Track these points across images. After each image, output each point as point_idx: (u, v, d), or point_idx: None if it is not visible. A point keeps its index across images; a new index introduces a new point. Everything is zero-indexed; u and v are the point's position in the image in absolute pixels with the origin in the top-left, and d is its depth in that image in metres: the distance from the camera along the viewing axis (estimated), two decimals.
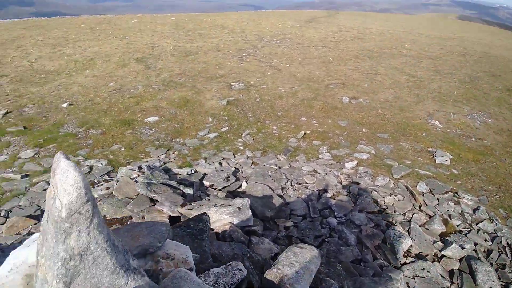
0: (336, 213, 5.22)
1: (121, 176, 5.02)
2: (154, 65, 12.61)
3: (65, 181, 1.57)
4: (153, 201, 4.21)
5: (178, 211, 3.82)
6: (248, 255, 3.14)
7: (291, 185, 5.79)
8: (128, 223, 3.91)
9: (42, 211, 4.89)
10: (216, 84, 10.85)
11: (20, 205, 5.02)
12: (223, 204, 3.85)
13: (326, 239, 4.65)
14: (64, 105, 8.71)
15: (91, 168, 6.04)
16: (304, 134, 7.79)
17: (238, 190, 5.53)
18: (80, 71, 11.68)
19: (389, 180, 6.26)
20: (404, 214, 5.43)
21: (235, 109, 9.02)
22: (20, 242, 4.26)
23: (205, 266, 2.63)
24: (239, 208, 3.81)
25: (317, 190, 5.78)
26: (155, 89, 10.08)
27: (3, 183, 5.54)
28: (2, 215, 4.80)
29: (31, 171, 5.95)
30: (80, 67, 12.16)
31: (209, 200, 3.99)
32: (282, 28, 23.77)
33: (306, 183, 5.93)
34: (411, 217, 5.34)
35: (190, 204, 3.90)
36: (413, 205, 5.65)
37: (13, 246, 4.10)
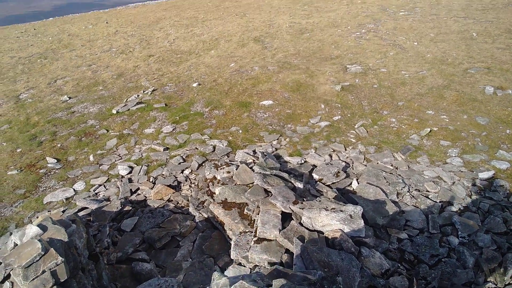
0: (459, 232, 4.57)
1: (240, 162, 5.55)
2: (270, 45, 12.93)
3: None
4: (267, 191, 4.55)
5: (290, 208, 4.04)
6: (360, 268, 3.12)
7: (409, 191, 5.30)
8: (245, 211, 4.37)
9: (179, 182, 5.93)
10: (331, 66, 10.43)
11: (163, 174, 6.19)
12: (334, 209, 3.86)
13: (443, 259, 4.19)
14: (194, 85, 9.96)
15: (214, 147, 6.88)
16: (430, 131, 6.85)
17: (348, 188, 5.41)
18: (207, 51, 12.99)
19: None
20: None
21: (350, 96, 8.58)
22: (163, 207, 5.32)
23: None
24: (350, 216, 3.76)
25: (440, 202, 5.13)
26: (270, 71, 10.42)
27: (151, 153, 6.89)
28: (151, 181, 6.04)
29: (170, 145, 7.19)
30: (207, 47, 13.50)
31: (319, 201, 4.06)
32: None
33: (427, 191, 5.33)
34: None
35: (302, 203, 4.06)
36: None
37: (158, 211, 5.15)
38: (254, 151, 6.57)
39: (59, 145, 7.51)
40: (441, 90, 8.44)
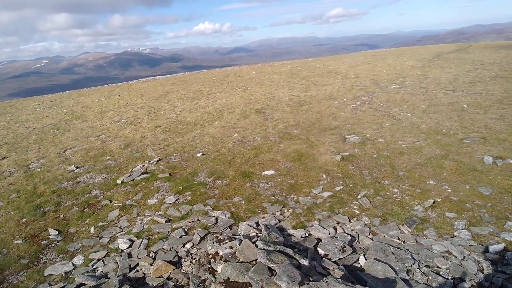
0: None
1: (243, 236, 5.45)
2: (271, 116, 13.66)
3: None
4: (271, 270, 4.38)
5: None
6: None
7: (419, 268, 5.07)
8: None
9: (179, 257, 5.73)
10: (330, 136, 10.87)
11: (164, 249, 6.02)
12: None
13: None
14: (199, 155, 10.27)
15: (216, 219, 6.80)
16: (434, 202, 6.83)
17: (355, 265, 5.19)
18: (211, 122, 13.69)
19: None
20: None
21: (350, 166, 8.76)
22: (162, 286, 5.07)
23: None
24: None
25: (451, 278, 4.88)
26: (272, 141, 10.83)
27: (153, 225, 6.80)
28: (151, 256, 5.85)
29: (172, 216, 7.13)
30: (211, 118, 14.26)
31: (327, 282, 3.88)
32: (400, 69, 22.44)
33: (438, 267, 5.10)
34: None
35: (308, 284, 3.88)
36: None
37: None
38: (257, 223, 6.48)
39: (61, 216, 7.49)
40: (440, 160, 8.64)
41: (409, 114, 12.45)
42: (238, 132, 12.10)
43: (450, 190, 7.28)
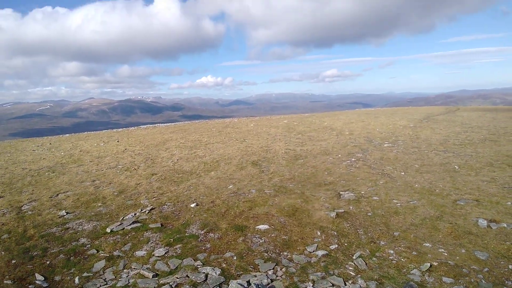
0: None
1: None
2: (267, 169, 13.81)
3: None
4: None
5: None
6: None
7: None
8: None
9: None
10: (325, 192, 10.91)
11: None
12: None
13: None
14: (192, 205, 10.16)
15: (206, 276, 6.50)
16: (430, 266, 6.65)
17: None
18: (207, 172, 13.76)
19: None
20: None
21: (345, 223, 8.66)
22: None
23: None
24: None
25: None
26: (267, 194, 10.81)
27: (139, 280, 6.47)
28: None
29: (160, 271, 6.82)
30: (207, 168, 14.37)
31: None
32: (393, 128, 23.33)
33: None
34: None
35: None
36: None
37: None
38: (249, 282, 6.20)
39: (48, 262, 7.26)
40: (434, 221, 8.60)
41: (403, 173, 12.67)
42: (234, 183, 12.12)
43: (446, 254, 7.13)
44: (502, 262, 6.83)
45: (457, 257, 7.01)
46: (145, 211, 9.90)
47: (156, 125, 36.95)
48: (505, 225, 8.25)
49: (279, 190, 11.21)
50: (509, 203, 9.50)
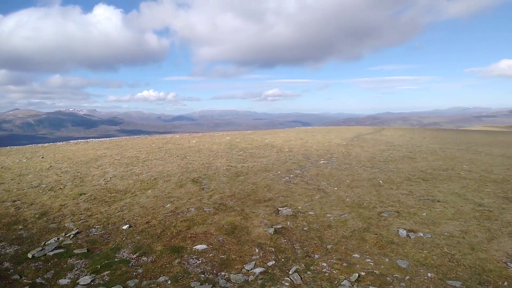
0: None
1: None
2: (207, 186, 13.58)
3: None
4: None
5: None
6: None
7: None
8: None
9: None
10: (264, 208, 11.08)
11: None
12: None
13: None
14: (125, 227, 9.43)
15: None
16: (359, 276, 7.12)
17: None
18: (143, 191, 12.99)
19: None
20: None
21: (282, 239, 8.86)
22: None
23: None
24: None
25: None
26: (206, 213, 10.58)
27: None
28: None
29: None
30: (144, 186, 13.58)
31: None
32: (328, 146, 24.97)
33: None
34: None
35: None
36: None
37: None
38: None
39: None
40: (362, 233, 9.29)
41: (336, 188, 13.54)
42: (172, 202, 11.62)
43: (372, 264, 7.71)
44: (421, 270, 7.57)
45: (382, 266, 7.62)
46: (70, 235, 8.88)
47: (89, 140, 33.98)
48: (422, 234, 9.27)
49: (219, 207, 11.06)
50: (424, 214, 10.75)
